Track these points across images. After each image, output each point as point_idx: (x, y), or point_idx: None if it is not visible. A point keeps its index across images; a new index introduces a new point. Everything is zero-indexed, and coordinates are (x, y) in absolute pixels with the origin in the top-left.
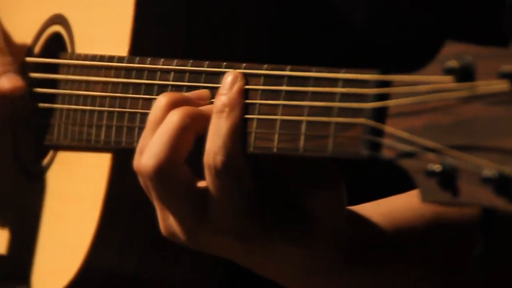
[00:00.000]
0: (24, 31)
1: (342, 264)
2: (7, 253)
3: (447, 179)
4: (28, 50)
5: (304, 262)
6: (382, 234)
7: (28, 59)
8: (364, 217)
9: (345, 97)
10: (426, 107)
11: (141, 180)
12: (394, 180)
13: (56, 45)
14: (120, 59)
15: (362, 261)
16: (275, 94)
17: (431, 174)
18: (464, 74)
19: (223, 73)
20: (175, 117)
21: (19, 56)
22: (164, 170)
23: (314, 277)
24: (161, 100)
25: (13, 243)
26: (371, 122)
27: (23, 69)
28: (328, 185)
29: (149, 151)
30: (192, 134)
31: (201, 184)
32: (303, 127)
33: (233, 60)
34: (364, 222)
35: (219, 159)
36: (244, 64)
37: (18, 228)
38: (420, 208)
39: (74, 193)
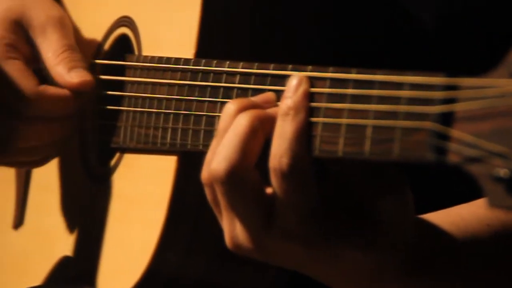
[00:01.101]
0: (92, 33)
1: (408, 272)
2: (73, 255)
3: None
4: (96, 52)
5: (369, 269)
6: (449, 242)
7: (96, 60)
8: (432, 225)
9: (411, 101)
10: (493, 111)
11: (207, 189)
12: (458, 187)
13: (123, 47)
14: (186, 61)
15: (429, 269)
16: (341, 97)
17: (498, 179)
18: None
19: (289, 76)
20: (243, 120)
21: (87, 57)
22: (235, 173)
23: (379, 284)
24: (230, 107)
25: (79, 245)
26: (438, 126)
27: (91, 70)
28: (394, 190)
29: (219, 155)
30: (261, 136)
31: (268, 190)
32: (369, 131)
33: (298, 62)
34: (432, 229)
35: (284, 161)
36: (310, 67)
37: (84, 230)
38: (486, 218)
39: (140, 195)
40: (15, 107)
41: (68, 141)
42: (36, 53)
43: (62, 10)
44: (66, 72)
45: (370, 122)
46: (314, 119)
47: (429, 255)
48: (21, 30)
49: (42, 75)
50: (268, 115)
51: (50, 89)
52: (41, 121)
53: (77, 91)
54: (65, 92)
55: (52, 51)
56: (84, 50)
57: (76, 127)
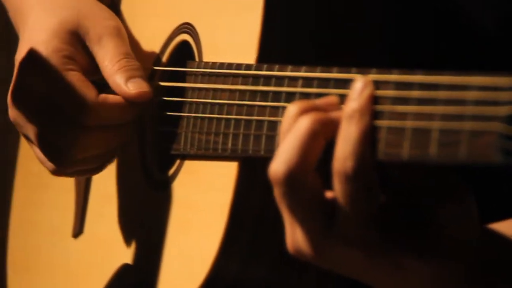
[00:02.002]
0: (152, 40)
1: (470, 281)
2: (132, 263)
3: None
4: (156, 58)
5: (430, 277)
6: None
7: (156, 67)
8: (496, 234)
9: (478, 102)
10: None
11: (274, 191)
12: None
13: (183, 53)
14: (248, 66)
15: (491, 278)
16: (405, 100)
17: None
18: None
19: (352, 79)
20: (304, 122)
21: (147, 64)
22: (294, 176)
23: None
24: (292, 110)
25: (139, 253)
26: (506, 128)
27: (151, 77)
28: (457, 198)
29: (279, 157)
30: (321, 140)
31: (329, 194)
32: (435, 134)
33: (361, 65)
34: (496, 239)
35: (348, 164)
36: (374, 70)
37: (144, 238)
38: None
39: (200, 202)
40: (76, 118)
41: (127, 148)
42: (93, 63)
43: (117, 19)
44: (124, 82)
45: (436, 124)
46: (378, 122)
47: (492, 265)
48: (77, 41)
49: (101, 84)
50: (330, 118)
51: (109, 98)
52: (99, 130)
53: (134, 102)
54: (123, 101)
55: (108, 60)
56: (144, 57)
57: (133, 133)
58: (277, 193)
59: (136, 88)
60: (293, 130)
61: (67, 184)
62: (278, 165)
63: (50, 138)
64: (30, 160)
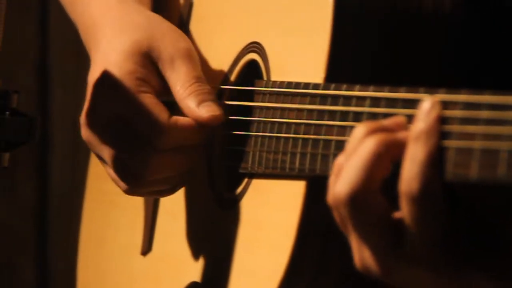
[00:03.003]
0: (221, 58)
1: None
2: (201, 280)
3: None
4: (225, 77)
5: None
6: None
7: (225, 86)
8: None
9: None
10: None
11: (334, 211)
12: None
13: (252, 72)
14: (316, 85)
15: None
16: (474, 121)
17: None
18: None
19: (420, 100)
20: (370, 144)
21: (216, 83)
22: (358, 197)
23: None
24: (359, 130)
25: (207, 270)
26: None
27: (219, 96)
28: None
29: (343, 178)
30: (387, 161)
31: (397, 214)
32: (503, 154)
33: (428, 85)
34: None
35: (415, 186)
36: (442, 90)
37: (212, 256)
38: None
39: (268, 221)
40: (148, 140)
41: (196, 168)
42: (165, 85)
43: (188, 41)
44: (196, 106)
45: (505, 145)
46: (446, 143)
47: None
48: (150, 62)
49: (172, 106)
50: (396, 139)
51: (181, 120)
52: (172, 152)
53: (206, 126)
54: (194, 123)
55: (180, 84)
56: (212, 76)
57: (204, 155)
58: (342, 213)
59: (208, 111)
60: (358, 151)
61: (137, 202)
62: (343, 186)
63: (123, 159)
64: (100, 178)
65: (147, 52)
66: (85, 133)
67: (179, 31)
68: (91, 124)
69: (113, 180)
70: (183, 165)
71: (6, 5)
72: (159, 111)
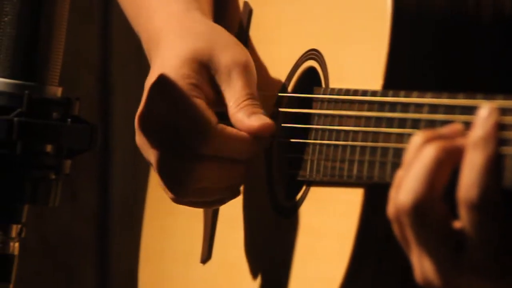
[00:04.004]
0: (279, 65)
1: None
2: (260, 287)
3: None
4: (283, 85)
5: None
6: None
7: (283, 93)
8: None
9: None
10: None
11: (394, 223)
12: None
13: (310, 79)
14: (374, 92)
15: None
16: None
17: None
18: None
19: (478, 106)
20: (430, 151)
21: (274, 90)
22: (422, 206)
23: None
24: (417, 139)
25: (266, 277)
26: None
27: (277, 103)
28: None
29: (405, 187)
30: (448, 168)
31: (456, 223)
32: None
33: (485, 91)
34: None
35: (474, 193)
36: (501, 96)
37: (270, 263)
38: None
39: (326, 229)
40: (193, 145)
41: (254, 173)
42: (217, 97)
43: (248, 55)
44: (246, 118)
45: None
46: (505, 150)
47: None
48: (206, 72)
49: (223, 118)
50: (455, 146)
51: (228, 129)
52: (218, 162)
53: (257, 136)
54: (244, 134)
55: (234, 100)
56: (270, 83)
57: (262, 162)
58: (404, 224)
59: (258, 120)
60: (418, 159)
61: (196, 210)
62: (405, 195)
63: (168, 165)
64: (159, 188)
65: (206, 62)
66: (138, 138)
67: (240, 45)
68: (142, 129)
69: (161, 186)
70: (230, 178)
71: (68, 12)
72: (206, 116)
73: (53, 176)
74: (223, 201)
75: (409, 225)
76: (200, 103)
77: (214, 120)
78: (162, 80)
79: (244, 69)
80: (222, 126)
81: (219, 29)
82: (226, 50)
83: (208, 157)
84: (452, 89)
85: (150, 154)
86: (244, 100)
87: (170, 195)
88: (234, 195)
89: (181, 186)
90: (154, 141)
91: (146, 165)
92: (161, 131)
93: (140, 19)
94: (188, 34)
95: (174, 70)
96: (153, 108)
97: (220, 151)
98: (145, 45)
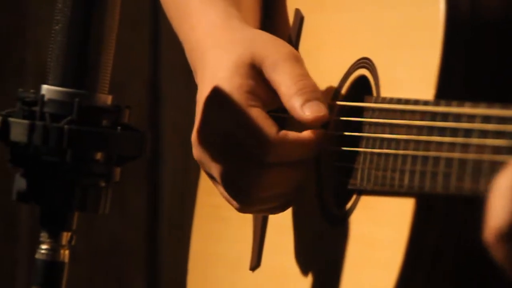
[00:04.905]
0: (330, 74)
1: None
2: None
3: None
4: (334, 93)
5: None
6: None
7: (333, 102)
8: None
9: None
10: None
11: (496, 247)
12: None
13: (361, 88)
14: (426, 102)
15: None
16: None
17: None
18: None
19: None
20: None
21: (325, 99)
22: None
23: None
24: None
25: (315, 286)
26: None
27: (329, 111)
28: None
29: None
30: None
31: None
32: None
33: None
34: None
35: None
36: None
37: (320, 271)
38: None
39: (377, 237)
40: (257, 155)
41: (305, 184)
42: (272, 93)
43: (291, 46)
44: (299, 106)
45: None
46: None
47: None
48: (256, 73)
49: (280, 117)
50: None
51: (290, 135)
52: (280, 167)
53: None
54: (304, 137)
55: (285, 85)
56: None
57: (313, 170)
58: (504, 250)
59: (313, 112)
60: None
61: (246, 217)
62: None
63: (234, 177)
64: (209, 193)
65: (251, 62)
66: (196, 151)
67: (281, 40)
68: (202, 143)
69: (225, 198)
70: (293, 181)
71: (118, 20)
72: (267, 126)
73: (103, 184)
74: (288, 204)
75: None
76: (258, 112)
77: (274, 127)
78: (216, 94)
79: (290, 56)
80: (283, 133)
81: (258, 31)
82: (267, 45)
83: (272, 164)
84: (507, 97)
85: (212, 167)
86: (296, 82)
87: (236, 205)
88: (297, 196)
89: (247, 196)
90: (216, 155)
91: (196, 171)
92: (222, 144)
93: (183, 29)
94: (229, 43)
95: (226, 82)
96: (211, 122)
97: (283, 158)
98: (188, 56)
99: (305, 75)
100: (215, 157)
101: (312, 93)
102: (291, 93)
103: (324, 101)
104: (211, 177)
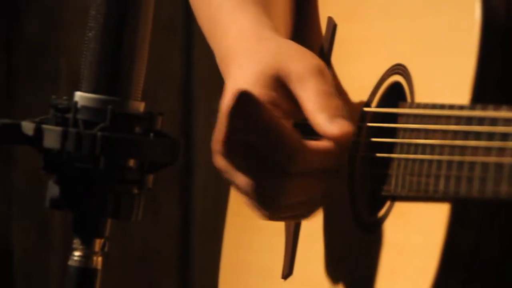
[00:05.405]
0: (364, 80)
1: None
2: None
3: None
4: (368, 99)
5: None
6: None
7: (366, 108)
8: None
9: None
10: None
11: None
12: None
13: (395, 94)
14: (461, 107)
15: None
16: None
17: None
18: None
19: None
20: None
21: (358, 105)
22: None
23: None
24: None
25: None
26: None
27: (361, 118)
28: None
29: None
30: None
31: None
32: None
33: None
34: None
35: None
36: None
37: (353, 279)
38: None
39: (411, 244)
40: (281, 165)
41: (334, 191)
42: (295, 106)
43: (318, 59)
44: (325, 123)
45: None
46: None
47: None
48: (279, 85)
49: (304, 128)
50: None
51: (313, 144)
52: (306, 175)
53: (339, 143)
54: (327, 146)
55: (310, 100)
56: (354, 98)
57: (344, 177)
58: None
59: (338, 128)
60: None
61: (277, 225)
62: None
63: (259, 187)
64: (240, 202)
65: (276, 73)
66: (218, 161)
67: (308, 51)
68: (225, 152)
69: (250, 207)
70: (318, 188)
71: (151, 27)
72: (290, 135)
73: (136, 191)
74: (315, 210)
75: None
76: (280, 121)
77: (296, 138)
78: (238, 102)
79: (316, 71)
80: (305, 142)
81: (286, 41)
82: (294, 59)
83: (296, 173)
84: None
85: (235, 176)
86: (321, 99)
87: (261, 213)
88: (323, 204)
89: (272, 204)
90: (239, 164)
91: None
92: (244, 153)
93: (215, 36)
94: (255, 52)
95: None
96: (232, 132)
97: (307, 166)
98: (219, 63)
99: (330, 93)
100: (238, 167)
101: (337, 110)
102: (316, 109)
103: (348, 118)
104: (235, 185)
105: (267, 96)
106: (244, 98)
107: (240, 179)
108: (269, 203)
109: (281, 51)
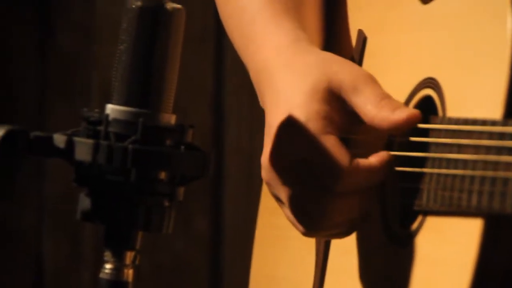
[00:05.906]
0: (394, 94)
1: None
2: None
3: None
4: None
5: None
6: None
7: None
8: None
9: None
10: None
11: None
12: None
13: (427, 108)
14: (494, 122)
15: None
16: None
17: None
18: None
19: None
20: None
21: None
22: None
23: None
24: None
25: None
26: None
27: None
28: None
29: None
30: None
31: None
32: None
33: None
34: None
35: None
36: None
37: None
38: None
39: (444, 259)
40: (328, 184)
41: (371, 204)
42: (349, 118)
43: (363, 69)
44: (390, 113)
45: None
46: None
47: None
48: (332, 98)
49: (344, 139)
50: None
51: (362, 164)
52: (351, 195)
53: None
54: (375, 164)
55: (370, 103)
56: None
57: (377, 192)
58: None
59: (405, 112)
60: None
61: (307, 239)
62: None
63: (302, 203)
64: (271, 213)
65: (328, 87)
66: (266, 174)
67: (353, 63)
68: (274, 167)
69: (291, 221)
70: (361, 207)
71: (182, 39)
72: (341, 155)
73: (167, 203)
74: (354, 229)
75: None
76: (333, 140)
77: (347, 156)
78: (293, 120)
79: (368, 78)
80: (356, 162)
81: (328, 54)
82: (342, 69)
83: (342, 193)
84: None
85: (281, 191)
86: (381, 100)
87: (302, 229)
88: (364, 220)
89: (315, 222)
90: (286, 179)
91: (258, 192)
92: (294, 170)
93: (248, 50)
94: (303, 67)
95: (301, 108)
96: (285, 148)
97: (354, 187)
98: (254, 77)
99: (387, 95)
100: (286, 182)
101: (398, 103)
102: (379, 108)
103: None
104: (278, 199)
105: (322, 111)
106: (297, 115)
107: (285, 193)
108: (310, 220)
109: (327, 64)
